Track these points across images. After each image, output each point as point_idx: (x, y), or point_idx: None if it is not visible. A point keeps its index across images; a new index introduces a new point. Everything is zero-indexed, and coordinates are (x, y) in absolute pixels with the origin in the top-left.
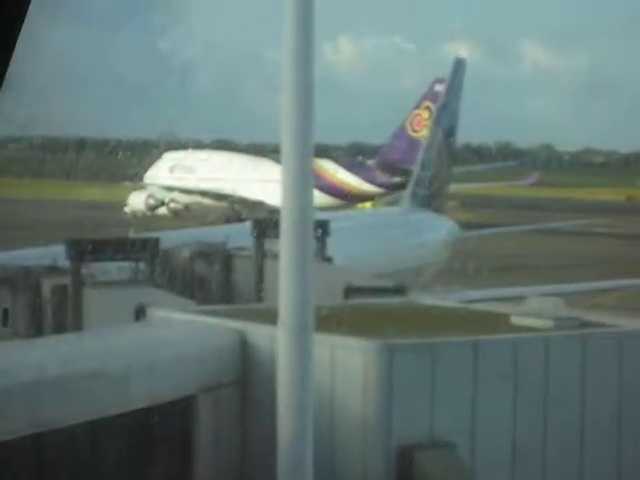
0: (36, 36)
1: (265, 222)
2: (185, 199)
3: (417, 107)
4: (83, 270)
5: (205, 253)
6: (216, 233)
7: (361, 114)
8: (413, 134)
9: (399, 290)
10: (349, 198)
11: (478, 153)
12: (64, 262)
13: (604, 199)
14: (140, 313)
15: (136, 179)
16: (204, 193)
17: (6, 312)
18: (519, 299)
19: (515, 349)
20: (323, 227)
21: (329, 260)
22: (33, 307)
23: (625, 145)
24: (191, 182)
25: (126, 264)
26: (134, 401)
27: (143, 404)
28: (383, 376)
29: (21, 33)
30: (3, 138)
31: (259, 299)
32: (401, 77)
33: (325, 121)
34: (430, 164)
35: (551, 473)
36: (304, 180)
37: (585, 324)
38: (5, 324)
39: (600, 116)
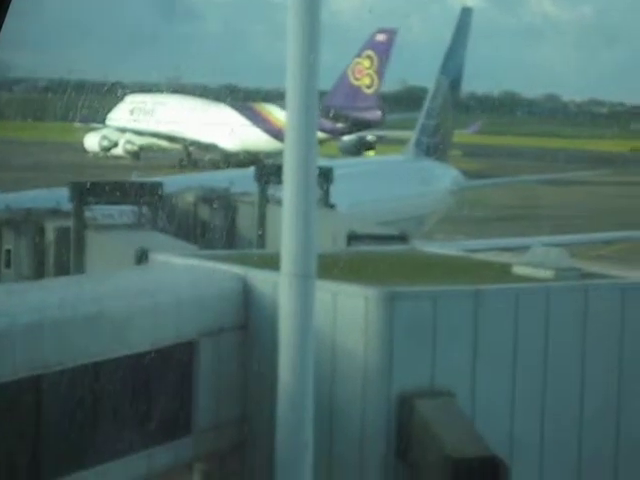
0: None
1: (269, 168)
2: (140, 141)
3: (358, 55)
4: (86, 213)
5: (209, 198)
6: (219, 178)
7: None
8: (355, 82)
9: (402, 238)
10: None
11: (482, 103)
12: (67, 205)
13: (609, 150)
14: (142, 257)
15: (87, 120)
16: (157, 135)
17: (9, 253)
18: (522, 249)
19: (516, 299)
20: (326, 174)
21: (332, 207)
22: (36, 249)
23: (630, 97)
24: (148, 124)
25: (129, 208)
26: (135, 344)
27: (144, 347)
28: (384, 323)
29: None
30: (8, 80)
31: (262, 245)
32: (407, 25)
33: (328, 66)
34: (435, 113)
35: (550, 422)
36: (308, 126)
37: (587, 275)
38: (8, 265)
39: (606, 67)
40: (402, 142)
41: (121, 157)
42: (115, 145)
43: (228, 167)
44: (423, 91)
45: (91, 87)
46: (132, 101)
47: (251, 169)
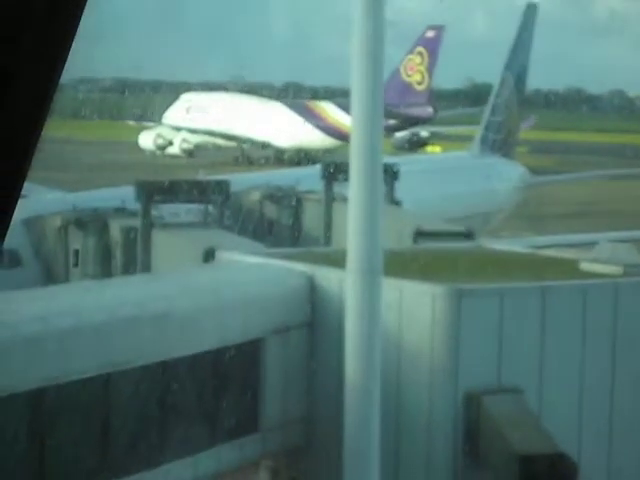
0: None
1: (335, 166)
2: (195, 139)
3: (410, 52)
4: (152, 212)
5: (275, 196)
6: (286, 176)
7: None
8: (407, 78)
9: (468, 235)
10: (346, 138)
11: (548, 98)
12: (133, 204)
13: None
14: (209, 255)
15: (140, 119)
16: (212, 133)
17: (76, 253)
18: (589, 245)
19: (584, 295)
20: (392, 171)
21: (398, 204)
22: (103, 248)
23: None
24: (204, 122)
25: (195, 206)
26: (203, 343)
27: (212, 346)
28: (451, 321)
29: None
30: (74, 80)
31: (328, 242)
32: (474, 21)
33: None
34: (500, 109)
35: (618, 419)
36: (374, 124)
37: None
38: (76, 265)
39: None
40: (457, 138)
41: (177, 155)
42: (170, 143)
43: (282, 164)
44: (489, 88)
45: (153, 86)
46: (188, 99)
47: (317, 167)
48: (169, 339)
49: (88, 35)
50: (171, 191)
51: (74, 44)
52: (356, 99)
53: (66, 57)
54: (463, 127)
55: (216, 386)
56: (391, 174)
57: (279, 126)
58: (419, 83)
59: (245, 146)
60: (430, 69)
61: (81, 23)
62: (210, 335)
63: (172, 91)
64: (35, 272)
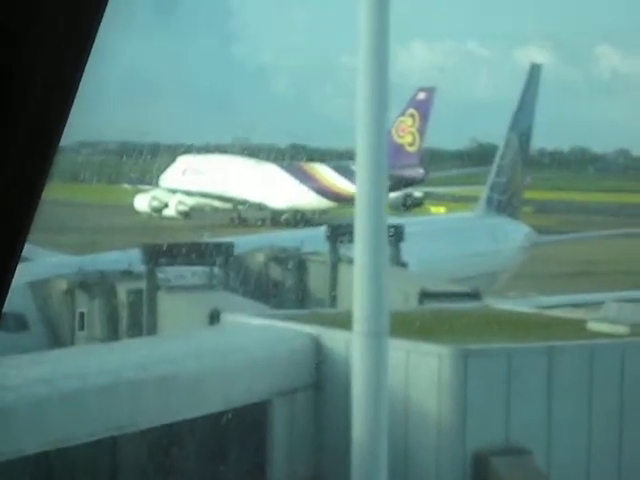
0: (111, 44)
1: (339, 227)
2: (191, 201)
3: (402, 114)
4: (159, 274)
5: (279, 258)
6: (290, 238)
7: (435, 119)
8: (398, 140)
9: (474, 295)
10: (340, 199)
11: (553, 158)
12: (139, 266)
13: None
14: (214, 317)
15: (136, 182)
16: (207, 195)
17: (82, 316)
18: (595, 305)
19: (591, 355)
20: (397, 232)
21: (404, 265)
22: (109, 311)
23: None
24: (200, 184)
25: (200, 268)
26: (208, 405)
27: (217, 408)
28: (458, 381)
29: (95, 41)
30: (77, 144)
31: (334, 304)
32: (475, 82)
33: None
34: (505, 170)
35: (627, 479)
36: (378, 185)
37: None
38: (82, 328)
39: None
40: (451, 198)
41: (173, 217)
42: (165, 206)
43: (278, 226)
44: (493, 148)
45: (153, 149)
46: (184, 162)
47: (321, 228)
48: (174, 402)
49: (90, 99)
50: (176, 253)
51: (75, 107)
52: (361, 161)
53: (66, 118)
54: (458, 187)
55: (222, 448)
56: (397, 235)
57: (274, 188)
58: (410, 144)
59: (241, 207)
60: (421, 130)
61: (81, 86)
62: (215, 397)
63: (172, 154)
64: (41, 335)
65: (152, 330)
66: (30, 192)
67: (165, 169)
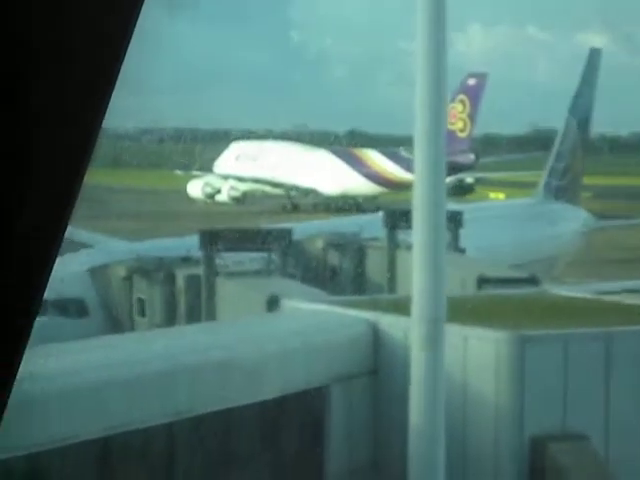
0: (173, 31)
1: (396, 213)
2: (243, 187)
3: (452, 100)
4: (217, 260)
5: (338, 244)
6: (347, 224)
7: (493, 104)
8: (450, 126)
9: (532, 281)
10: (390, 185)
11: (612, 143)
12: (197, 252)
13: None
14: (273, 303)
15: (189, 168)
16: (259, 181)
17: (141, 302)
18: None
19: None
20: (456, 218)
21: (462, 251)
22: (167, 297)
23: None
24: (252, 170)
25: (259, 254)
26: (266, 391)
27: (275, 394)
28: (515, 367)
29: (157, 30)
30: (137, 131)
31: (392, 290)
32: (534, 66)
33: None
34: (564, 155)
35: None
36: (436, 171)
37: None
38: (141, 313)
39: None
40: (501, 184)
41: (225, 203)
42: (218, 192)
43: (329, 211)
44: (553, 133)
45: (212, 135)
46: (237, 148)
47: (379, 214)
48: (233, 387)
49: (150, 85)
50: (234, 239)
51: (135, 94)
52: (419, 147)
53: (107, 103)
54: (507, 173)
55: (280, 434)
56: (455, 221)
57: (325, 173)
58: (461, 130)
59: (293, 193)
60: (472, 116)
61: (142, 74)
62: (273, 383)
63: (228, 140)
64: (101, 321)
65: (211, 316)
66: (70, 178)
67: (218, 155)
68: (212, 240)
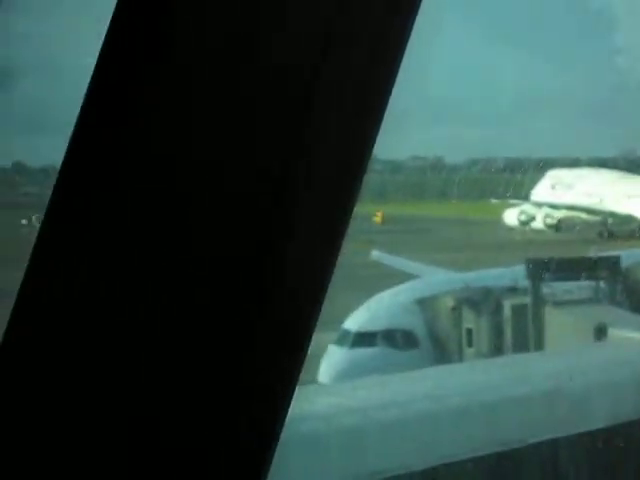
0: (493, 60)
1: None
2: (558, 214)
3: None
4: (544, 289)
5: None
6: None
7: None
8: None
9: None
10: None
11: None
12: (523, 282)
13: None
14: (601, 332)
15: (505, 196)
16: (573, 208)
17: (469, 332)
18: None
19: None
20: None
21: None
22: (494, 327)
23: None
24: (567, 198)
25: (586, 283)
26: (595, 420)
27: (603, 423)
28: None
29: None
30: (468, 161)
31: None
32: None
33: None
34: None
35: None
36: None
37: None
38: (469, 344)
39: None
40: None
41: (541, 231)
42: (532, 219)
43: None
44: None
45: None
46: (553, 176)
47: None
48: (559, 417)
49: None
50: (560, 268)
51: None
52: None
53: (380, 121)
54: None
55: (606, 464)
56: None
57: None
58: None
59: (609, 220)
60: None
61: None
62: (601, 413)
63: (549, 168)
64: (430, 352)
65: (538, 345)
66: (339, 210)
67: (534, 184)
68: (539, 269)
